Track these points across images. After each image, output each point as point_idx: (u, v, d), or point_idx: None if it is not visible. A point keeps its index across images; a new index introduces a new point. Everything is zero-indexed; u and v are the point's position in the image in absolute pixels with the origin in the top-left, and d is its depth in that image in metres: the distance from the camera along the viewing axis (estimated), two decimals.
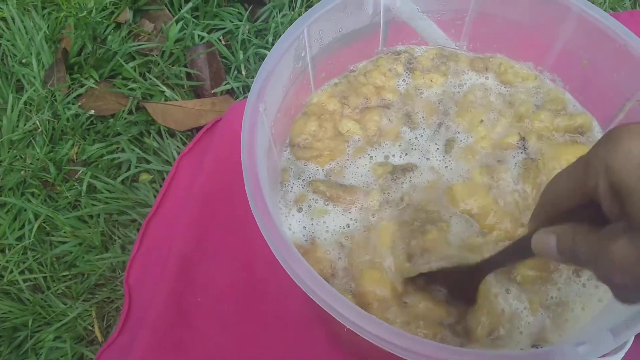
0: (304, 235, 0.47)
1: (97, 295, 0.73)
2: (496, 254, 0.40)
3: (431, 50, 0.55)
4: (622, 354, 0.38)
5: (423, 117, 0.52)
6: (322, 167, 0.49)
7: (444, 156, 0.50)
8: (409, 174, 0.48)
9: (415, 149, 0.50)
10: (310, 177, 0.49)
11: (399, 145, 0.50)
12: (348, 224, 0.47)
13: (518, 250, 0.36)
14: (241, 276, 0.58)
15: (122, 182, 0.79)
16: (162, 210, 0.65)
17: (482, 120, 0.51)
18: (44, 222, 0.77)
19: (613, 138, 0.26)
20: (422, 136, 0.51)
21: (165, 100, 0.84)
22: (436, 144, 0.50)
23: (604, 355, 0.37)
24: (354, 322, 0.36)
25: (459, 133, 0.51)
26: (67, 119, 0.83)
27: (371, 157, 0.50)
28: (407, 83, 0.54)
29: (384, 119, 0.51)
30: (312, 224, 0.47)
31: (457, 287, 0.43)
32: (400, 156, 0.50)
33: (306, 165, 0.50)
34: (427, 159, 0.50)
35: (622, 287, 0.26)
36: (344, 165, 0.49)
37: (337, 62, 0.53)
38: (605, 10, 0.87)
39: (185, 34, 0.88)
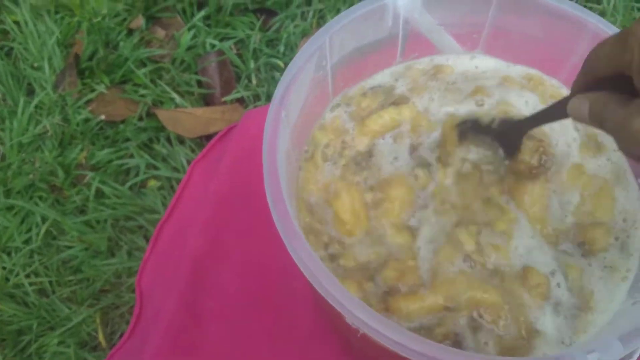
0: None
1: (101, 301, 0.73)
2: (538, 112, 0.44)
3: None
4: None
5: None
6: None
7: None
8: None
9: None
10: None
11: None
12: None
13: (557, 111, 0.40)
14: (253, 281, 0.58)
15: (130, 187, 0.80)
16: (175, 214, 0.65)
17: None
18: (51, 226, 0.77)
19: None
20: None
21: (176, 107, 0.85)
22: None
23: None
24: (370, 324, 0.36)
25: None
26: (77, 124, 0.83)
27: None
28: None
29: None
30: None
31: (502, 136, 0.47)
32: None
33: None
34: None
35: None
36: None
37: (356, 71, 0.53)
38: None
39: (197, 41, 0.89)
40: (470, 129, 0.49)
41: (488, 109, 0.51)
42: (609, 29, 0.50)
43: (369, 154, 0.50)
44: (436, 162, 0.49)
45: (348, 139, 0.51)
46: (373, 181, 0.49)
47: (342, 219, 0.47)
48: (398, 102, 0.51)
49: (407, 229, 0.47)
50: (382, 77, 0.54)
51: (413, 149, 0.51)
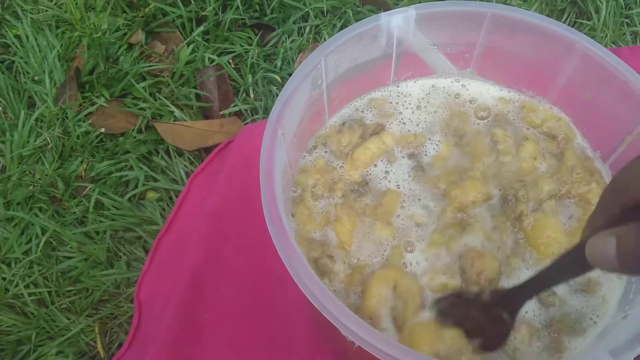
0: None
1: (100, 311, 0.74)
2: (540, 272, 0.35)
3: None
4: None
5: None
6: None
7: None
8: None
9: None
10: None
11: None
12: None
13: (568, 265, 0.32)
14: (249, 294, 0.59)
15: (130, 199, 0.81)
16: (173, 227, 0.67)
17: None
18: (50, 237, 0.78)
19: None
20: None
21: (175, 120, 0.86)
22: None
23: None
24: (365, 339, 0.37)
25: None
26: (77, 136, 0.84)
27: None
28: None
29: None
30: None
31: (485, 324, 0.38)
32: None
33: None
34: None
35: None
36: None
37: (350, 90, 0.55)
38: (606, 44, 0.90)
39: (195, 56, 0.91)
40: (451, 306, 0.41)
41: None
42: (597, 49, 0.51)
43: (365, 182, 0.52)
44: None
45: (337, 175, 0.52)
46: (371, 200, 0.51)
47: (342, 240, 0.49)
48: (377, 130, 0.53)
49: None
50: (347, 111, 0.56)
51: (413, 157, 0.53)
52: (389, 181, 0.52)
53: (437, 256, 0.48)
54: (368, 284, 0.47)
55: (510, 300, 0.38)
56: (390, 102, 0.56)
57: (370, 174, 0.52)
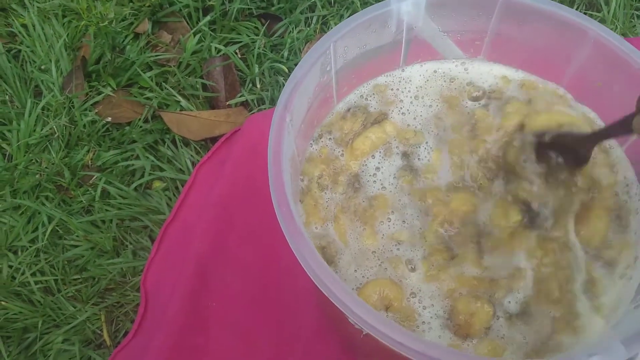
0: None
1: (106, 300, 0.74)
2: (601, 128, 0.45)
3: None
4: None
5: None
6: None
7: None
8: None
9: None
10: None
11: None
12: None
13: (621, 127, 0.41)
14: (255, 283, 0.58)
15: (136, 189, 0.81)
16: (180, 216, 0.66)
17: None
18: (57, 226, 0.78)
19: None
20: None
21: (181, 110, 0.86)
22: None
23: None
24: (374, 326, 0.37)
25: None
26: (84, 126, 0.84)
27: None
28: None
29: None
30: None
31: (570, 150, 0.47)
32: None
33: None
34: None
35: None
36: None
37: (359, 76, 0.54)
38: None
39: (202, 46, 0.90)
40: (538, 145, 0.48)
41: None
42: (610, 36, 0.51)
43: (359, 175, 0.51)
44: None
45: (339, 165, 0.52)
46: (365, 198, 0.50)
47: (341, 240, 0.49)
48: (379, 119, 0.53)
49: None
50: (353, 98, 0.55)
51: (405, 156, 0.52)
52: (375, 182, 0.51)
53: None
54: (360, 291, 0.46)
55: (579, 142, 0.47)
56: (392, 89, 0.55)
57: (366, 164, 0.52)
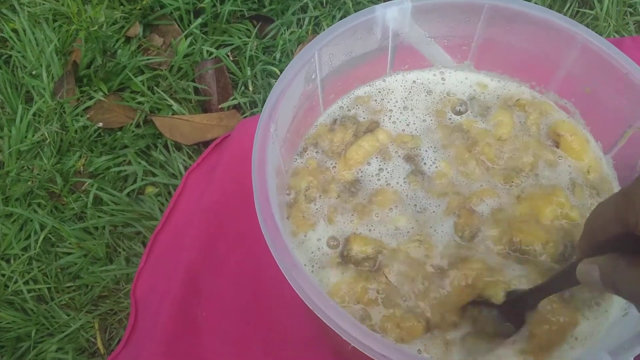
0: None
1: (100, 307, 0.74)
2: (546, 281, 0.42)
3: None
4: None
5: None
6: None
7: None
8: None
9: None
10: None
11: None
12: None
13: (566, 278, 0.38)
14: (246, 291, 0.58)
15: (128, 194, 0.80)
16: (170, 223, 0.66)
17: None
18: (49, 233, 0.78)
19: None
20: None
21: (173, 114, 0.85)
22: None
23: None
24: (358, 339, 0.37)
25: None
26: (76, 131, 0.84)
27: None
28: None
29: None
30: None
31: (508, 311, 0.44)
32: None
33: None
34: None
35: None
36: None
37: (346, 84, 0.54)
38: (609, 33, 0.88)
39: (194, 49, 0.90)
40: (474, 306, 0.46)
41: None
42: (597, 41, 0.50)
43: (358, 181, 0.51)
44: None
45: (330, 176, 0.51)
46: (364, 198, 0.50)
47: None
48: (372, 128, 0.52)
49: None
50: (336, 110, 0.55)
51: (409, 158, 0.52)
52: (379, 179, 0.51)
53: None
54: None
55: (521, 301, 0.44)
56: (375, 100, 0.55)
57: (362, 172, 0.51)
